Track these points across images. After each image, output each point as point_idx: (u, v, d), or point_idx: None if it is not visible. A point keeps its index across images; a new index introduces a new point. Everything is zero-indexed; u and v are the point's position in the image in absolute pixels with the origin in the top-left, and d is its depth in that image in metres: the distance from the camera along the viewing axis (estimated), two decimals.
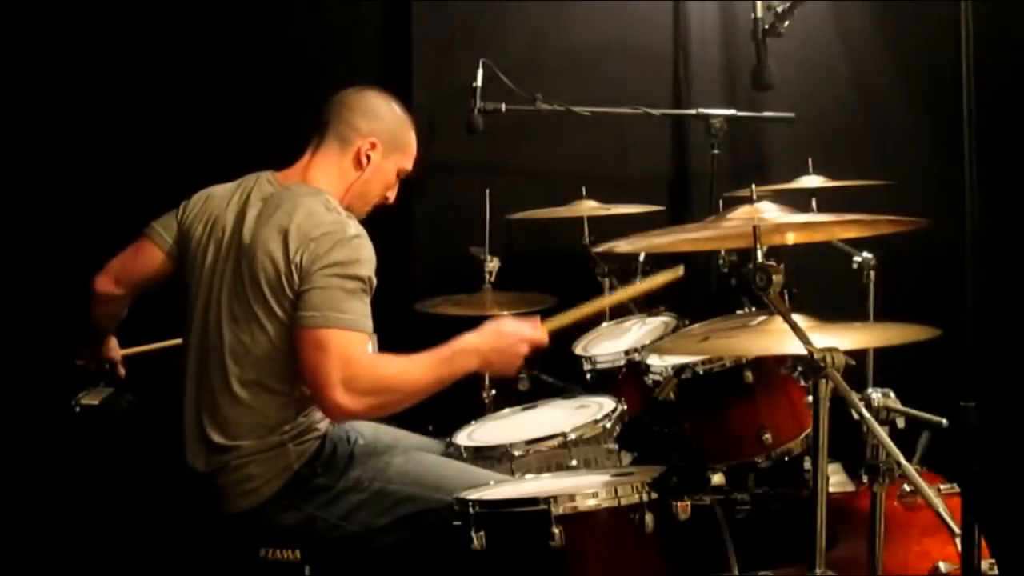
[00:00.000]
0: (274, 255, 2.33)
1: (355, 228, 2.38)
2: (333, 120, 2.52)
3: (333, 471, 2.39)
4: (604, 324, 3.34)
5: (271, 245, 2.34)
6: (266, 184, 2.49)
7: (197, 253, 2.47)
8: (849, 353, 1.94)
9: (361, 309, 2.31)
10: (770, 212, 2.06)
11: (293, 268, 2.31)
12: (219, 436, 2.36)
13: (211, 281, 2.43)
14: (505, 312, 3.35)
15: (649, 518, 2.09)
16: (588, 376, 3.05)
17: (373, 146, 2.51)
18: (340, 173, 2.52)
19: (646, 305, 3.37)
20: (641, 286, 2.83)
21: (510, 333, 2.44)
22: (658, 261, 3.53)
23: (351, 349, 2.27)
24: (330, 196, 2.45)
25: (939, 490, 2.32)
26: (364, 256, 2.35)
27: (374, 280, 2.37)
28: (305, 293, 2.29)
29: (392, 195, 2.63)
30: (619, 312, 3.41)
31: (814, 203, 3.34)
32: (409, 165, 2.61)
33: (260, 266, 2.34)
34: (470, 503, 2.14)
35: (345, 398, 2.24)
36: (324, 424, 2.43)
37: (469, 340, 2.40)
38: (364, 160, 2.52)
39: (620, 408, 2.67)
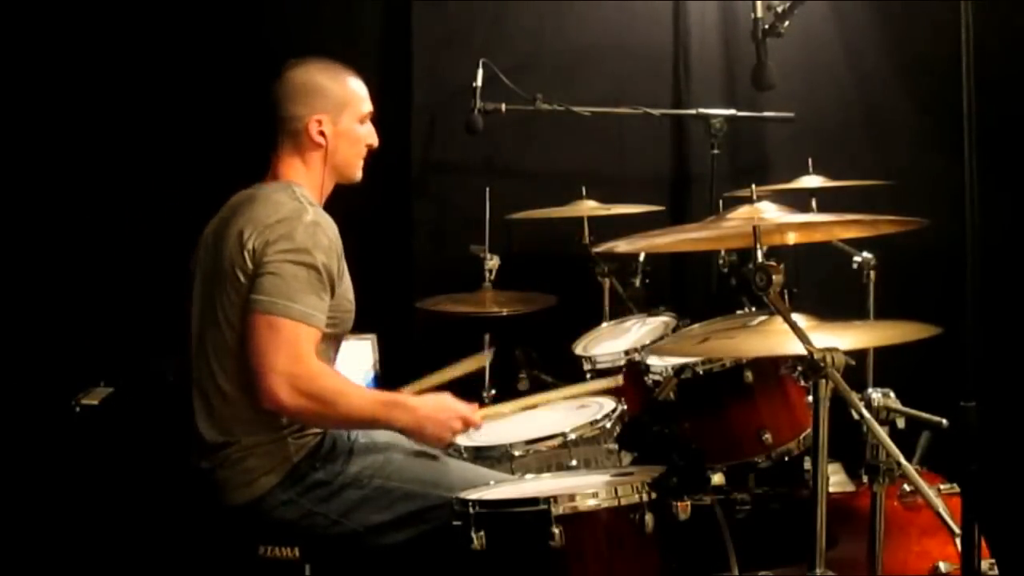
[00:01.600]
0: (232, 248, 2.35)
1: (313, 215, 2.38)
2: (276, 118, 2.52)
3: (332, 466, 2.39)
4: (604, 324, 3.34)
5: (231, 241, 2.36)
6: (244, 191, 2.51)
7: (194, 278, 2.49)
8: (849, 353, 1.94)
9: (315, 303, 2.31)
10: (770, 212, 2.06)
11: (246, 255, 2.32)
12: (217, 434, 2.37)
13: (200, 293, 2.45)
14: (505, 310, 3.37)
15: (649, 518, 2.09)
16: (588, 376, 3.05)
17: (319, 123, 2.50)
18: (305, 162, 2.52)
19: (647, 305, 3.37)
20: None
21: (449, 407, 2.44)
22: (657, 260, 3.55)
23: (302, 345, 2.27)
24: (299, 187, 2.46)
25: (939, 490, 2.32)
26: (319, 242, 2.34)
27: (331, 268, 2.35)
28: (259, 277, 2.30)
29: (372, 141, 2.59)
30: (619, 312, 3.42)
31: (814, 203, 3.34)
32: (366, 108, 2.56)
33: (224, 263, 2.36)
34: (470, 503, 2.14)
35: (285, 392, 2.24)
36: None
37: (411, 399, 2.43)
38: (320, 139, 2.50)
39: (620, 408, 2.67)
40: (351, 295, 2.47)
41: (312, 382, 2.27)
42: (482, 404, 2.62)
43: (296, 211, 2.37)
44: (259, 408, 2.32)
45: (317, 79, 2.52)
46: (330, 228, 2.39)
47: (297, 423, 2.37)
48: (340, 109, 2.52)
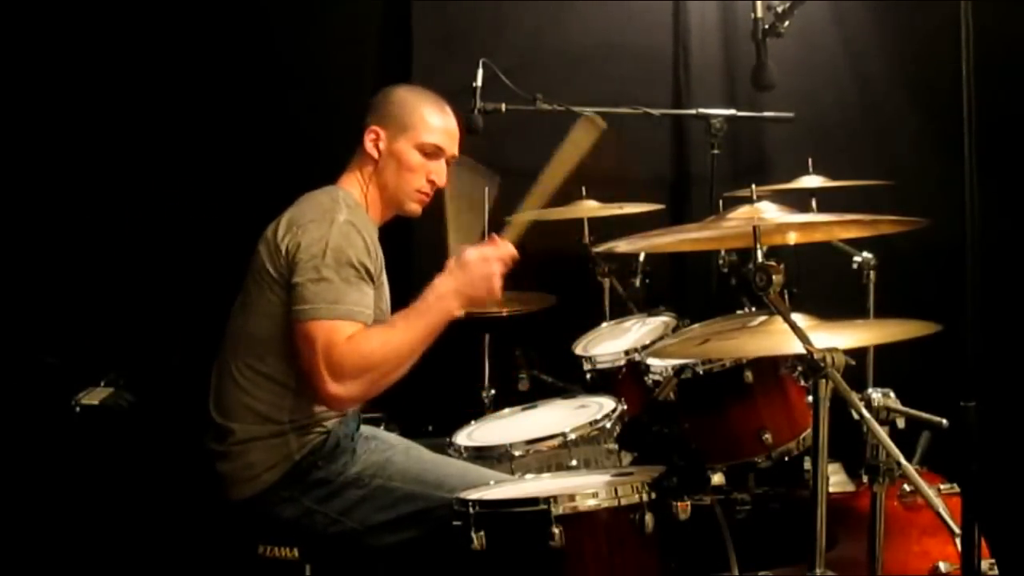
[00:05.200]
0: (268, 242, 2.40)
1: (348, 215, 2.40)
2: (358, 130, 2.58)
3: (334, 465, 2.39)
4: (604, 324, 3.34)
5: (268, 234, 2.41)
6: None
7: None
8: (849, 352, 1.94)
9: (357, 298, 2.31)
10: (770, 212, 2.06)
11: (278, 254, 2.35)
12: (219, 417, 2.41)
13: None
14: (505, 310, 3.36)
15: (649, 518, 2.09)
16: (588, 376, 3.05)
17: (376, 134, 2.53)
18: (360, 172, 2.55)
19: (647, 305, 3.37)
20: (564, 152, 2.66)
21: (474, 260, 2.41)
22: (657, 260, 3.54)
23: (332, 337, 2.27)
24: (346, 190, 2.50)
25: (939, 490, 2.32)
26: (354, 242, 2.35)
27: (370, 266, 2.37)
28: (296, 286, 2.31)
29: (437, 178, 2.57)
30: (619, 312, 3.41)
31: (814, 203, 3.34)
32: (430, 139, 2.55)
33: (259, 257, 2.41)
34: (470, 503, 2.14)
35: (336, 387, 2.26)
36: (332, 422, 2.43)
37: (439, 284, 2.39)
38: (374, 152, 2.54)
39: (620, 408, 2.67)
40: (387, 307, 2.49)
41: (352, 360, 2.27)
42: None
43: (331, 210, 2.39)
44: (267, 401, 2.36)
45: (398, 97, 2.57)
46: (365, 229, 2.41)
47: (304, 422, 2.38)
48: (399, 131, 2.53)
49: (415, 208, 2.59)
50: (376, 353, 2.31)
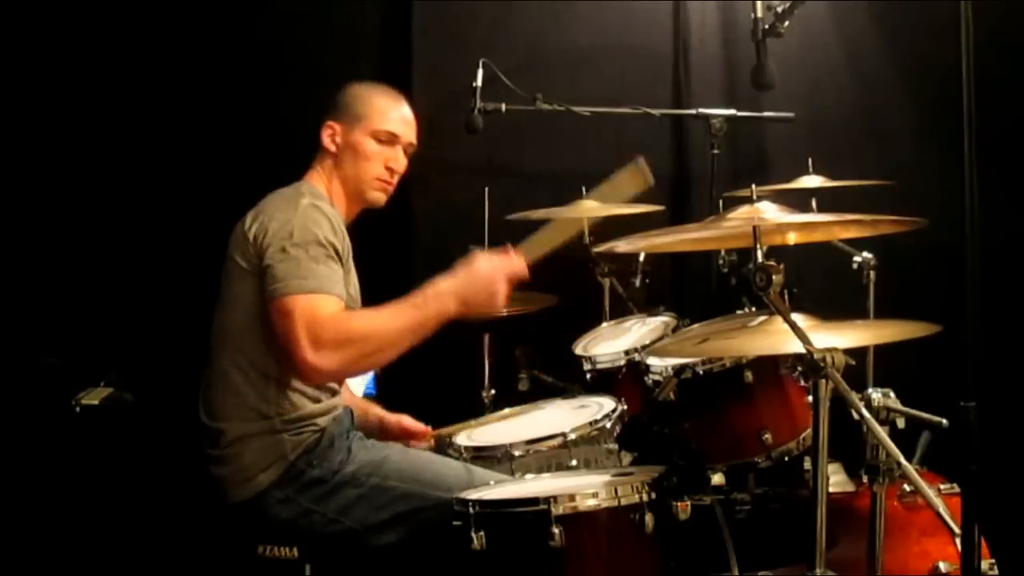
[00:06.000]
0: (235, 235, 2.43)
1: (311, 199, 2.43)
2: None
3: (329, 464, 2.39)
4: (604, 324, 3.34)
5: (236, 229, 2.44)
6: None
7: None
8: (849, 352, 1.94)
9: (325, 272, 2.32)
10: (770, 212, 2.06)
11: (247, 243, 2.38)
12: (209, 419, 2.42)
13: None
14: (504, 310, 3.36)
15: (649, 518, 2.09)
16: (588, 376, 3.05)
17: (332, 129, 2.57)
18: (321, 167, 2.59)
19: (647, 305, 3.37)
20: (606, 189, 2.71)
21: (484, 268, 2.39)
22: (657, 260, 3.54)
23: (315, 310, 2.28)
24: (311, 184, 2.54)
25: (939, 490, 2.32)
26: (318, 221, 2.38)
27: (338, 245, 2.39)
28: (268, 268, 2.33)
29: (396, 165, 2.60)
30: (619, 312, 3.41)
31: (814, 203, 3.34)
32: (384, 126, 2.58)
33: (229, 251, 2.43)
34: (470, 503, 2.15)
35: (314, 357, 2.25)
36: (324, 420, 2.43)
37: (442, 283, 2.37)
38: (332, 146, 2.57)
39: (620, 408, 2.67)
40: (356, 281, 2.49)
41: (333, 332, 2.27)
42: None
43: (293, 198, 2.43)
44: (250, 393, 2.36)
45: (353, 91, 2.61)
46: (331, 213, 2.43)
47: (294, 417, 2.38)
48: (354, 122, 2.57)
49: (378, 197, 2.61)
50: (359, 330, 2.31)
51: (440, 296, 2.35)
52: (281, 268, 2.31)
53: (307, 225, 2.35)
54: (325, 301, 2.30)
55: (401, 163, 2.61)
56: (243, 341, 2.39)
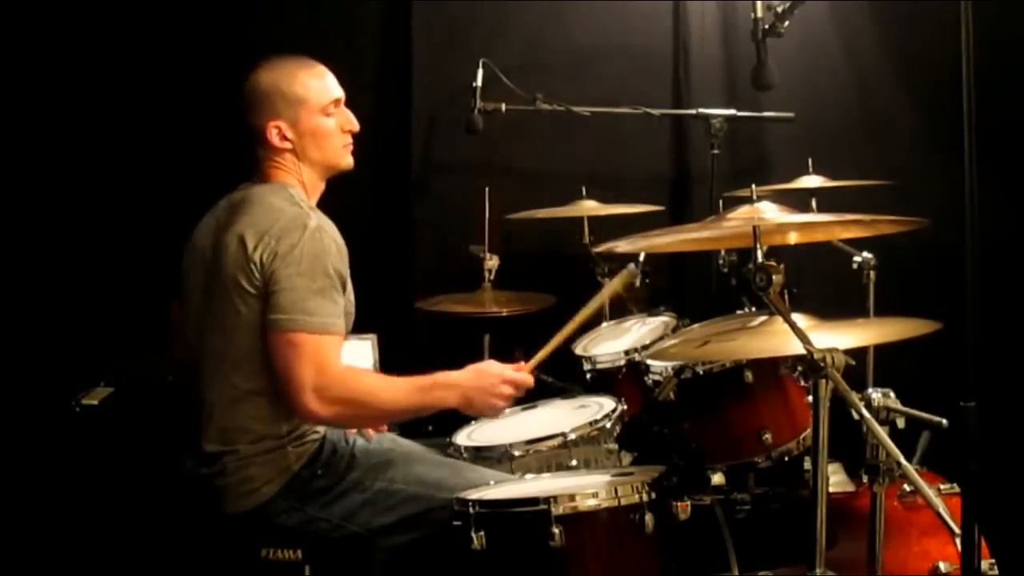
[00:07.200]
0: (235, 256, 2.33)
1: (316, 220, 2.36)
2: (250, 133, 2.51)
3: (333, 472, 2.38)
4: (604, 324, 3.34)
5: (232, 248, 2.34)
6: (237, 193, 2.49)
7: (188, 281, 2.48)
8: (849, 352, 1.94)
9: (331, 309, 2.30)
10: (770, 212, 2.06)
11: (253, 267, 2.30)
12: (217, 444, 2.36)
13: (198, 299, 2.43)
14: (504, 310, 3.37)
15: (649, 518, 2.09)
16: (588, 376, 3.05)
17: (277, 127, 2.46)
18: (285, 164, 2.48)
19: (647, 305, 3.37)
20: (603, 295, 2.78)
21: (493, 373, 2.42)
22: (657, 260, 3.54)
23: (324, 354, 2.26)
24: (294, 189, 2.44)
25: (939, 490, 2.32)
26: (327, 248, 2.32)
27: (343, 271, 2.35)
28: (273, 295, 2.28)
29: (348, 125, 2.53)
30: (619, 312, 3.41)
31: (814, 203, 3.34)
32: (327, 98, 2.49)
33: (226, 271, 2.34)
34: (470, 503, 2.14)
35: (316, 404, 2.24)
36: (322, 427, 2.42)
37: (451, 375, 2.40)
38: (286, 144, 2.46)
39: (620, 408, 2.66)
40: (352, 297, 2.47)
41: (340, 389, 2.27)
42: (526, 358, 2.53)
43: (298, 218, 2.34)
44: (262, 417, 2.33)
45: (267, 83, 2.47)
46: (333, 231, 2.38)
47: (298, 432, 2.37)
48: (296, 109, 2.46)
49: (349, 161, 2.54)
50: (364, 395, 2.32)
51: (447, 388, 2.37)
52: (287, 299, 2.26)
53: (316, 252, 2.30)
54: (331, 345, 2.28)
55: (352, 120, 2.54)
56: (252, 365, 2.33)
